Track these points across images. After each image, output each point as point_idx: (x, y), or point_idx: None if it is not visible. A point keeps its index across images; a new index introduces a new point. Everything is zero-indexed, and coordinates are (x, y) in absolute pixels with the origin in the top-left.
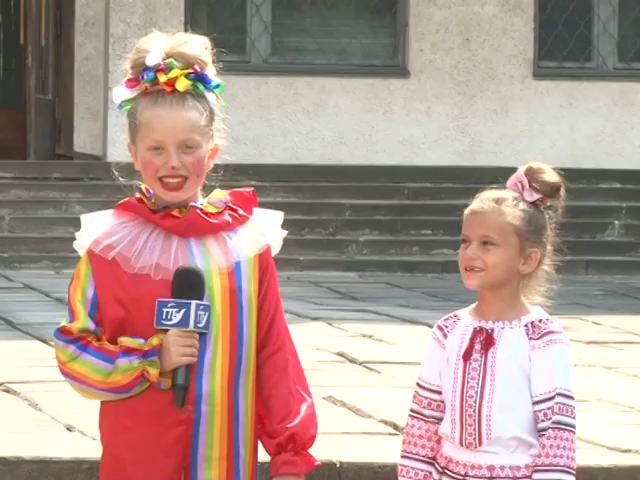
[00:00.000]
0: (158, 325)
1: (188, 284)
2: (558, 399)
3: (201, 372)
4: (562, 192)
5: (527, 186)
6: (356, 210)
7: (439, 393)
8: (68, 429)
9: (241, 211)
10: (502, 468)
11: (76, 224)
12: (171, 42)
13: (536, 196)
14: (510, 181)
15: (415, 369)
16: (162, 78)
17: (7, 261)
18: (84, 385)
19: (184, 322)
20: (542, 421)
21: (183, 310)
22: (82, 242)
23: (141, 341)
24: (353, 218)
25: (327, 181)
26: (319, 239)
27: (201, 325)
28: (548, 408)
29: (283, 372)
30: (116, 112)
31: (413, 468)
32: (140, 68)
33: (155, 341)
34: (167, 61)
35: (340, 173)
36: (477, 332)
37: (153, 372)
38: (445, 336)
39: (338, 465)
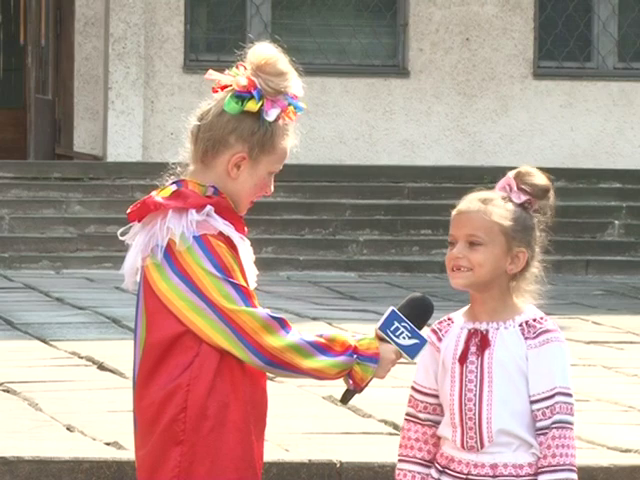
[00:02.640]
0: (382, 331)
1: (426, 318)
2: (558, 398)
3: None
4: (551, 195)
5: (515, 188)
6: (356, 210)
7: (435, 397)
8: (68, 429)
9: None
10: (505, 466)
11: (76, 224)
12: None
13: (524, 198)
14: (499, 184)
15: (415, 369)
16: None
17: (7, 261)
18: (294, 373)
19: (412, 352)
20: (540, 420)
21: (415, 341)
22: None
23: (354, 337)
24: (353, 218)
25: (327, 181)
26: (319, 239)
27: None
28: (547, 407)
29: None
30: (116, 112)
31: (410, 471)
32: (285, 93)
33: (372, 345)
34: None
35: (340, 173)
36: (472, 334)
37: (364, 377)
38: (440, 339)
39: (338, 465)
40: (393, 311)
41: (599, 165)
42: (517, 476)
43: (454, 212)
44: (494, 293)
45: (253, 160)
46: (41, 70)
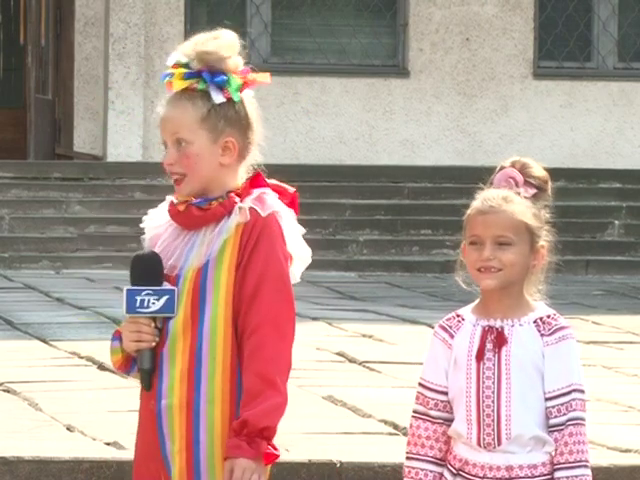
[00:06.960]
0: (131, 313)
1: (159, 270)
2: (575, 395)
3: (161, 370)
4: (549, 186)
5: (522, 182)
6: (356, 210)
7: (445, 394)
8: (68, 429)
9: (237, 198)
10: (520, 468)
11: (76, 224)
12: (199, 40)
13: (531, 191)
14: (499, 178)
15: (415, 369)
16: (166, 79)
17: (7, 261)
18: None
19: (169, 308)
20: (555, 417)
21: (165, 297)
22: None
23: None
24: (353, 218)
25: (327, 181)
26: (319, 239)
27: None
28: (562, 404)
29: (253, 356)
30: (116, 112)
31: (422, 469)
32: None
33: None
34: (179, 61)
35: (340, 173)
36: (486, 331)
37: (113, 357)
38: (452, 336)
39: (338, 465)
40: (127, 290)
41: (599, 165)
42: (532, 477)
43: (474, 212)
44: (514, 290)
45: None
46: (41, 70)
